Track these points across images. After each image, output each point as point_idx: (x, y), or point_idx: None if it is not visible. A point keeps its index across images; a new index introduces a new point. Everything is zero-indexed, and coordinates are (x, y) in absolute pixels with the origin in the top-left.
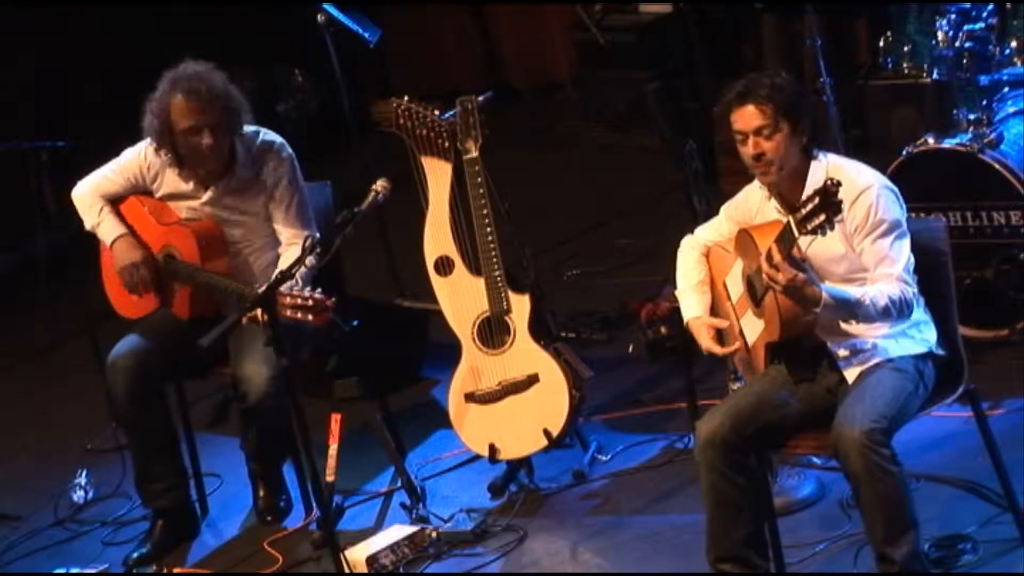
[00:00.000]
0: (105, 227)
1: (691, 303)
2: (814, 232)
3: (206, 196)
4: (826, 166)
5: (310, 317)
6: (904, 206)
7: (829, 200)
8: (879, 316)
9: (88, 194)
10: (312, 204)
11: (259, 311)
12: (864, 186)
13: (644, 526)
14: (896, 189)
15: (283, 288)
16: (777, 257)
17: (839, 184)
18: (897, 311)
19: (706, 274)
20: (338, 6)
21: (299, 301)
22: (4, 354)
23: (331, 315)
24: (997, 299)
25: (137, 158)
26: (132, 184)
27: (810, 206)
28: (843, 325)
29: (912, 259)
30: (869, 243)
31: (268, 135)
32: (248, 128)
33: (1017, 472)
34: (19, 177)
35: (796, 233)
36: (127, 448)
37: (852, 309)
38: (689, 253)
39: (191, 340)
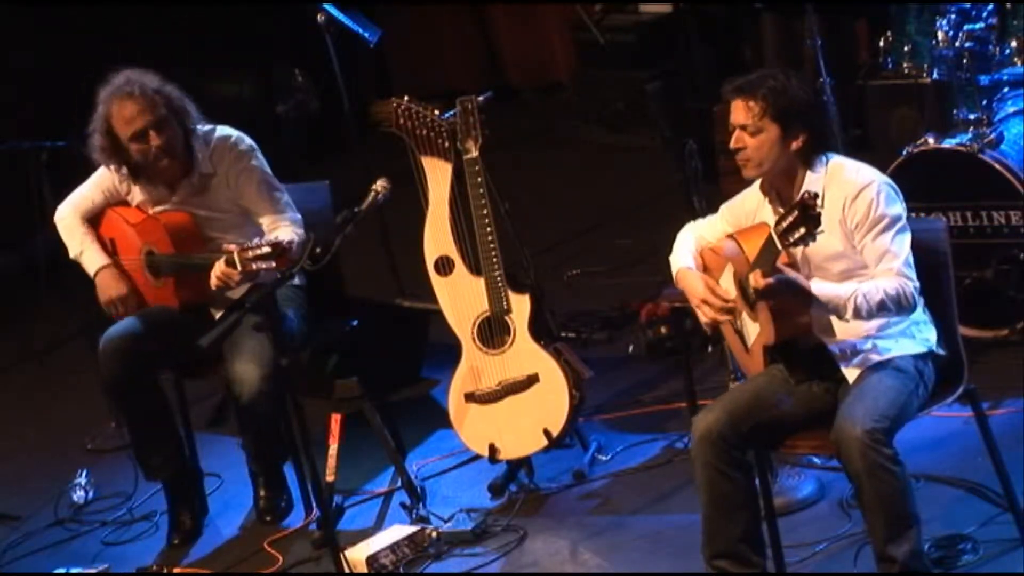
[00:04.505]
0: (87, 257)
1: (685, 257)
2: (796, 244)
3: (174, 199)
4: (823, 174)
5: (273, 264)
6: (904, 202)
7: (807, 214)
8: (875, 311)
9: (69, 216)
10: (312, 204)
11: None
12: (864, 183)
13: (644, 526)
14: (895, 185)
15: (231, 246)
16: (760, 280)
17: (816, 196)
18: (895, 305)
19: (701, 250)
20: (338, 6)
21: (258, 252)
22: (4, 354)
23: (290, 254)
24: (997, 299)
25: (109, 172)
26: (108, 197)
27: (789, 219)
28: (842, 324)
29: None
30: (870, 240)
31: (224, 130)
32: (202, 127)
33: (1017, 472)
34: (19, 177)
35: (779, 246)
36: (124, 427)
37: (843, 304)
38: (687, 237)
39: (185, 329)
